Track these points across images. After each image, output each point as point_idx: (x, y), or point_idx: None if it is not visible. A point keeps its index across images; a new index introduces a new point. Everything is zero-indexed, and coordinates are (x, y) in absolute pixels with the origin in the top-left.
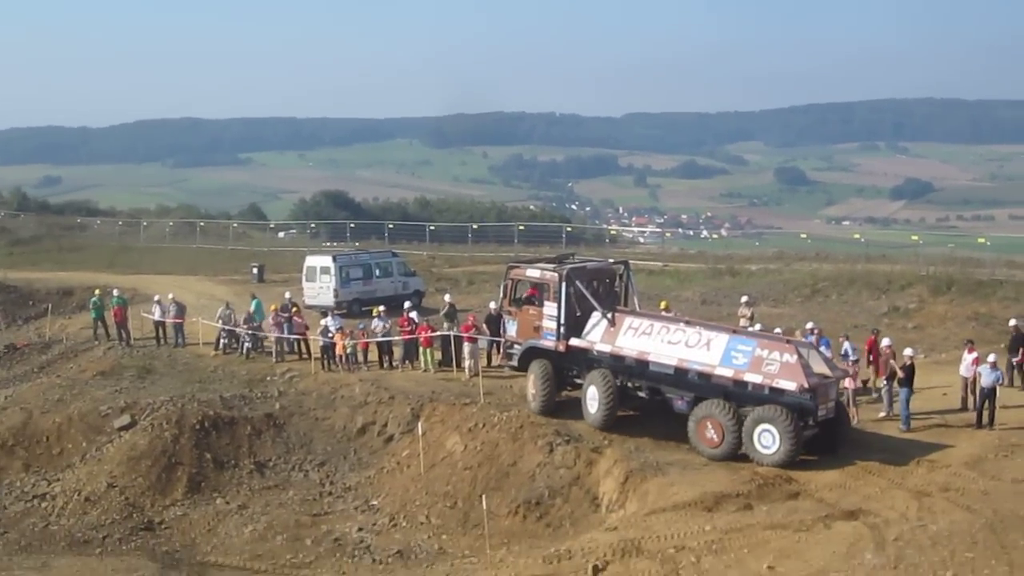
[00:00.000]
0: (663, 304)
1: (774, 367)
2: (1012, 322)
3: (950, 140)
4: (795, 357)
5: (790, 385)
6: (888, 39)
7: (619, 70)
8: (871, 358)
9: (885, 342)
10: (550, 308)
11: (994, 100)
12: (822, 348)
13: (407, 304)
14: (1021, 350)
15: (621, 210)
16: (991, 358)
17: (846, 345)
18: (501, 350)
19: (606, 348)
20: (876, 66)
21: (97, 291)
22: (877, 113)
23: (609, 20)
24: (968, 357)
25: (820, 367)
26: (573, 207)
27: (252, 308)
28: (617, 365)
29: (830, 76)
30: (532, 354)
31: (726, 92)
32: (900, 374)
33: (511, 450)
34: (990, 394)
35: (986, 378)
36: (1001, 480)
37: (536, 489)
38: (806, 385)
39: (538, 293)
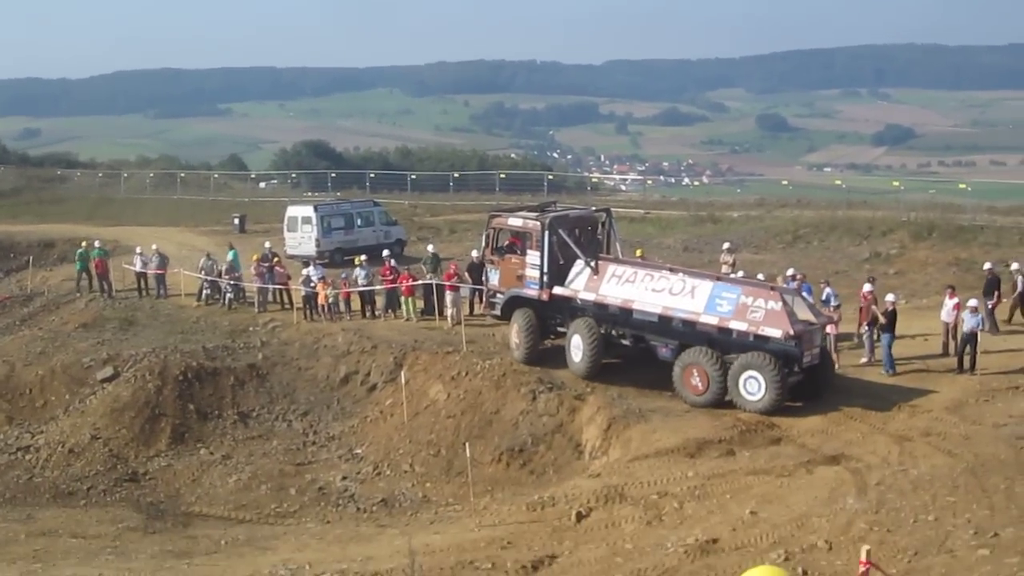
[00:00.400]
0: (639, 252)
1: (759, 314)
2: (987, 266)
3: (931, 86)
4: (780, 304)
5: (775, 332)
6: None
7: (599, 17)
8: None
9: (866, 288)
10: (533, 257)
11: (975, 46)
12: (804, 294)
13: (385, 252)
14: (996, 293)
15: (602, 158)
16: (971, 303)
17: (827, 291)
18: (483, 299)
19: (590, 296)
20: (857, 12)
21: (84, 243)
22: (858, 59)
23: None
24: (949, 302)
25: (805, 313)
26: (554, 155)
27: (229, 258)
28: (601, 313)
29: (811, 22)
30: (515, 303)
31: (707, 38)
32: (882, 320)
33: (494, 398)
34: (971, 339)
35: (967, 323)
36: (982, 425)
37: (519, 437)
38: (791, 332)
39: (520, 242)
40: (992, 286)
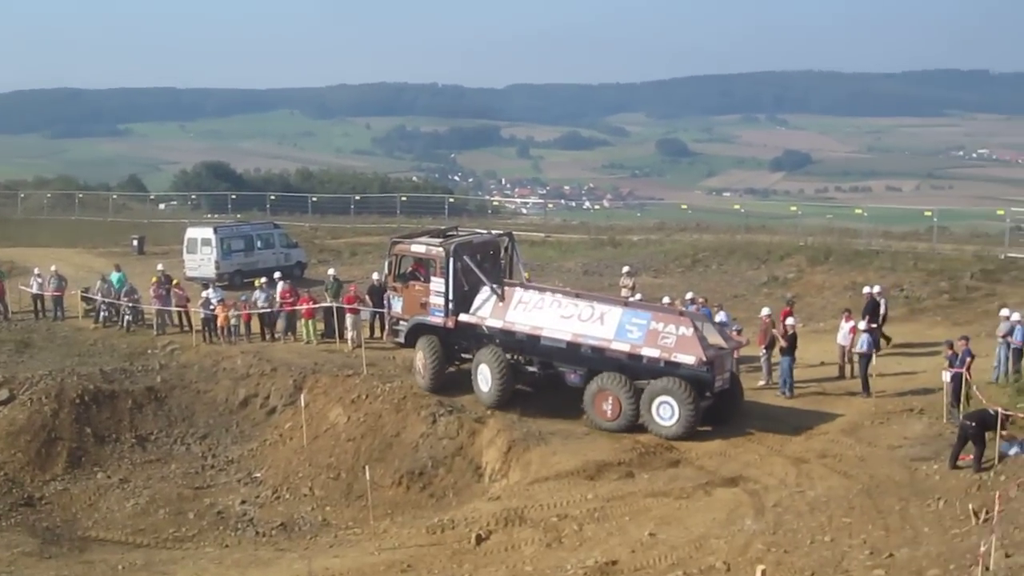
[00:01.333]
0: (526, 275)
1: (670, 340)
2: (866, 289)
3: (829, 112)
4: (691, 330)
5: (688, 359)
6: (768, 12)
7: (501, 41)
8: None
9: (764, 311)
10: (437, 284)
11: (871, 73)
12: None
13: (276, 274)
14: (867, 317)
15: (504, 181)
16: (862, 325)
17: (721, 315)
18: (385, 323)
19: (497, 324)
20: (755, 39)
21: None
22: (757, 85)
23: None
24: (845, 326)
25: (715, 338)
26: (456, 178)
27: (113, 281)
28: (508, 340)
29: (710, 48)
30: (419, 330)
31: (608, 63)
32: (782, 342)
33: (394, 421)
34: (863, 360)
35: (858, 344)
36: (877, 446)
37: (419, 460)
38: (704, 358)
39: (424, 269)
40: (867, 310)
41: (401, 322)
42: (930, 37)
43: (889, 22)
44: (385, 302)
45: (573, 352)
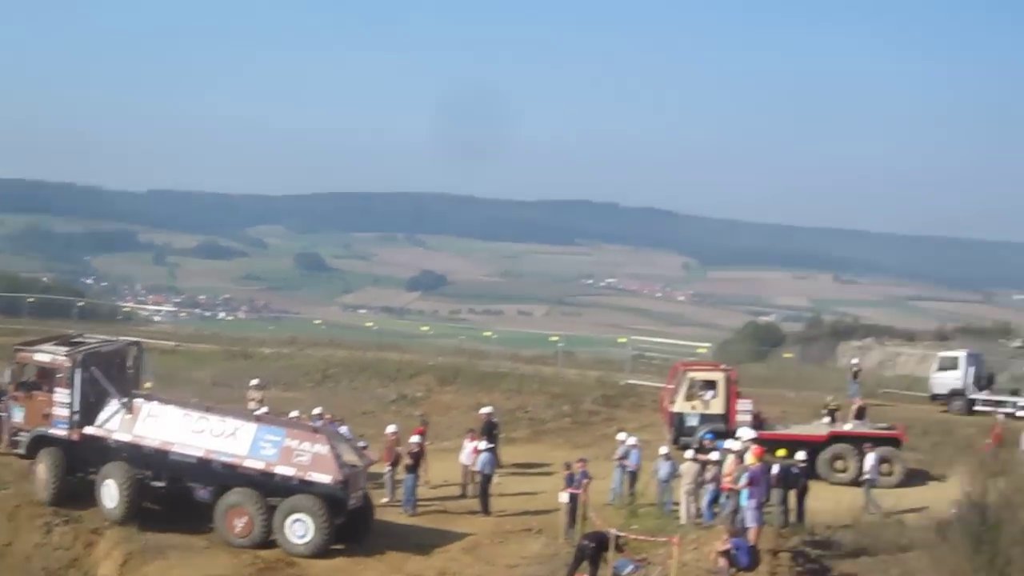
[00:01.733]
0: (147, 385)
1: (305, 458)
2: (482, 411)
3: (466, 235)
4: (327, 448)
5: (324, 478)
6: (403, 134)
7: (143, 144)
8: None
9: (390, 429)
10: (62, 395)
11: (506, 200)
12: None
13: None
14: (486, 438)
15: (139, 287)
16: (483, 445)
17: (343, 429)
18: (4, 434)
19: (125, 437)
20: (395, 160)
21: None
22: (396, 205)
23: (134, 92)
24: (469, 445)
25: (350, 456)
26: (89, 282)
27: None
28: (136, 455)
29: (351, 166)
30: (42, 442)
31: (249, 174)
32: (408, 460)
33: (7, 530)
34: (484, 479)
35: (478, 464)
36: (495, 565)
37: (32, 571)
38: (340, 477)
39: (48, 378)
40: (485, 430)
41: (22, 432)
42: (564, 169)
43: (523, 150)
44: (5, 409)
45: (204, 468)
